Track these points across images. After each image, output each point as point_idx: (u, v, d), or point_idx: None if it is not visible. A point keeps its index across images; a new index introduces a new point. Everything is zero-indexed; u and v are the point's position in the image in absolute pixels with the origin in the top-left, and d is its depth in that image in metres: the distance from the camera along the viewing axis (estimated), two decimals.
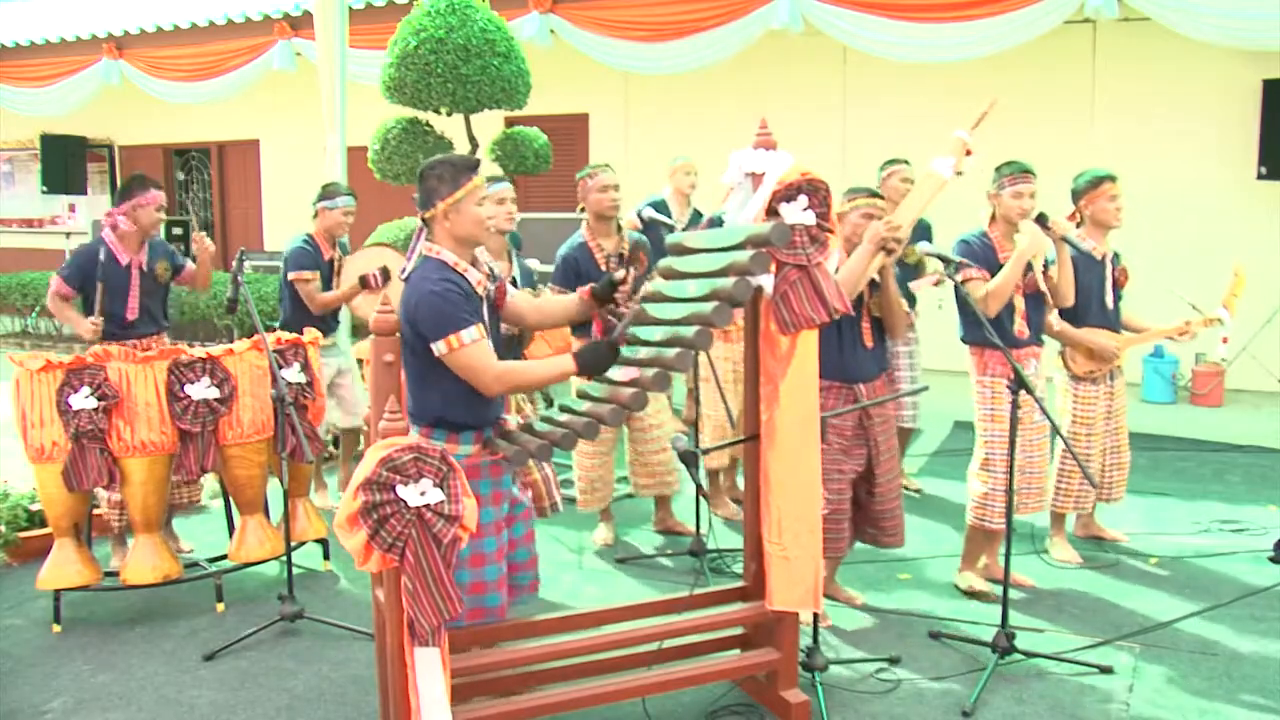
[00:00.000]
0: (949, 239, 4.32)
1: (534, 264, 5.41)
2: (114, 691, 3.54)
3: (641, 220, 5.35)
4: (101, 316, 4.56)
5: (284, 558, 4.11)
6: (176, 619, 4.14)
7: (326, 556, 4.67)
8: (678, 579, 4.42)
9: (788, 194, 2.97)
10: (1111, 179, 4.41)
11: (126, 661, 3.77)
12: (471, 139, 7.00)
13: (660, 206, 5.94)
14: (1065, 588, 4.30)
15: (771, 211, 3.00)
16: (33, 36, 11.27)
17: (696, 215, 5.97)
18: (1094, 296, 4.43)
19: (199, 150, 13.19)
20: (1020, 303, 4.15)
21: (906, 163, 5.51)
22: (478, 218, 2.94)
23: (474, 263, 3.01)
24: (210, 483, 5.12)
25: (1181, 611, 4.02)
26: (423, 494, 2.55)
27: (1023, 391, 3.52)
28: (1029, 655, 3.59)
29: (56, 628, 4.03)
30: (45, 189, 13.01)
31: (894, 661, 3.64)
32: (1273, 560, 4.51)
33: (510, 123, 8.00)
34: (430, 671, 2.64)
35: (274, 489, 4.30)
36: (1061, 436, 3.61)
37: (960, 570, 4.33)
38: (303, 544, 4.51)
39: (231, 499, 4.49)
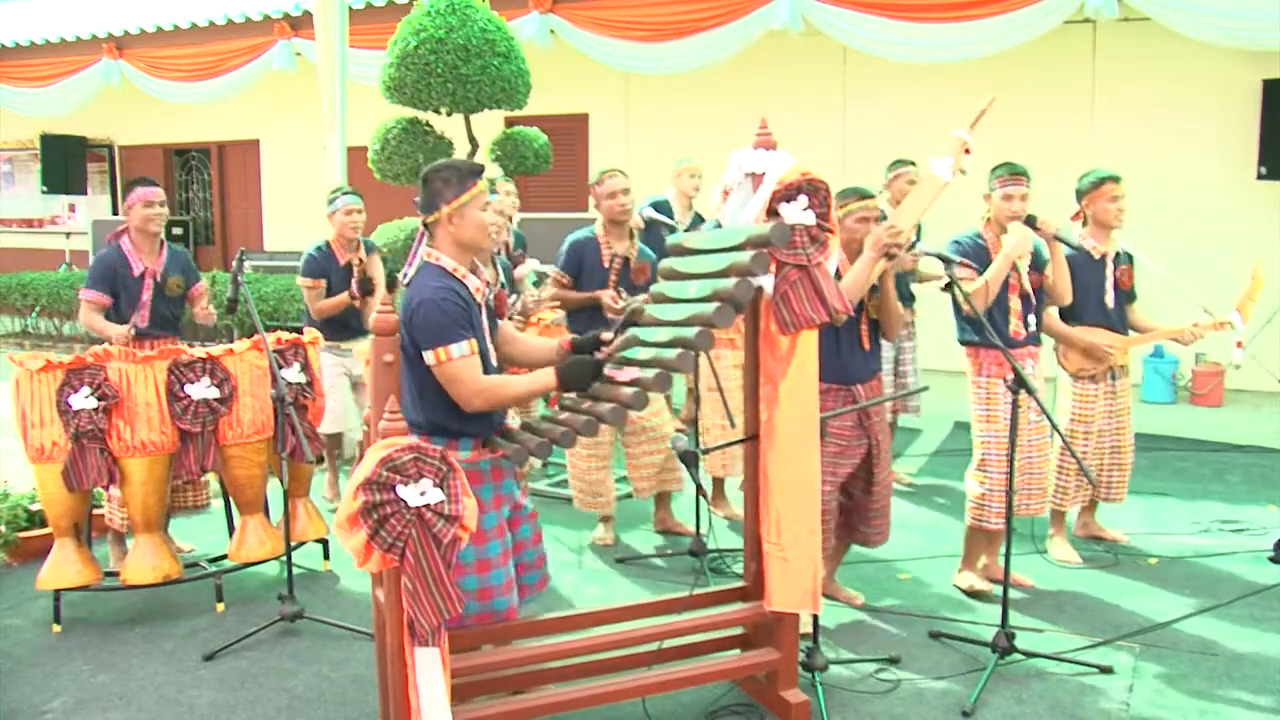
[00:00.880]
0: (944, 240, 4.33)
1: (534, 264, 5.41)
2: (114, 691, 3.54)
3: (643, 220, 5.35)
4: (132, 327, 4.50)
5: (284, 558, 4.11)
6: (176, 619, 4.14)
7: (326, 556, 4.67)
8: (678, 579, 4.42)
9: (788, 194, 2.97)
10: (1115, 179, 4.41)
11: (126, 661, 3.77)
12: (471, 139, 7.01)
13: (662, 207, 5.94)
14: (1065, 588, 4.30)
15: (771, 212, 3.00)
16: (33, 36, 11.28)
17: (698, 219, 5.97)
18: (1091, 295, 4.44)
19: (199, 150, 13.19)
20: (1016, 304, 4.16)
21: (913, 164, 5.51)
22: (481, 223, 2.94)
23: (474, 269, 3.00)
24: (210, 483, 5.11)
25: (1181, 611, 4.02)
26: (423, 494, 2.55)
27: (1021, 391, 3.52)
28: (1029, 655, 3.59)
29: (56, 628, 4.03)
30: (45, 189, 13.02)
31: (894, 661, 3.64)
32: (1273, 560, 4.51)
33: (510, 123, 8.00)
34: (430, 671, 2.64)
35: (274, 489, 4.30)
36: (1060, 434, 3.61)
37: (960, 570, 4.34)
38: (303, 544, 4.51)
39: (231, 499, 4.49)
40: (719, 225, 3.26)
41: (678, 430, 5.25)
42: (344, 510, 2.55)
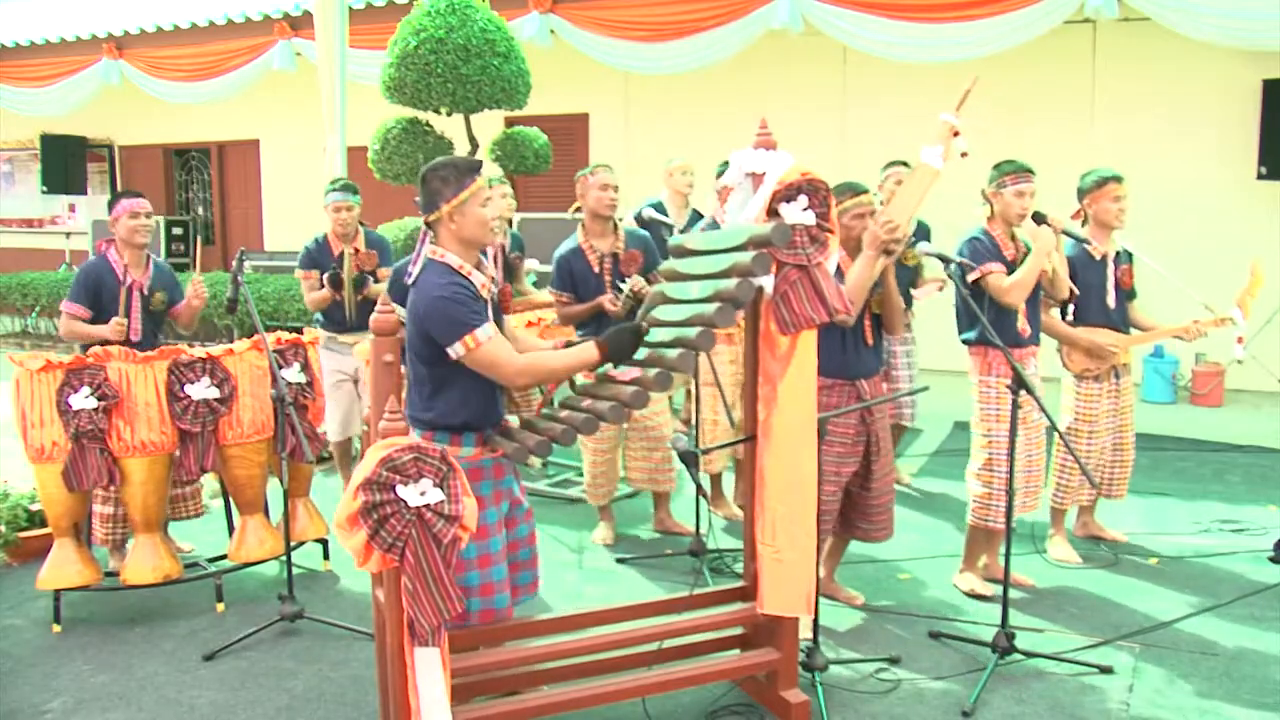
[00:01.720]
0: (942, 237, 4.33)
1: (534, 264, 5.41)
2: (114, 691, 3.54)
3: (642, 221, 5.35)
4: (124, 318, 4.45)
5: (284, 558, 4.11)
6: (176, 619, 4.14)
7: (326, 556, 4.67)
8: (678, 579, 4.42)
9: (788, 194, 2.97)
10: (1117, 179, 4.42)
11: (126, 661, 3.77)
12: (471, 139, 7.00)
13: (660, 208, 5.94)
14: (1065, 588, 4.30)
15: (772, 212, 3.00)
16: (33, 36, 11.27)
17: (696, 215, 5.97)
18: (1094, 295, 4.44)
19: (199, 150, 13.19)
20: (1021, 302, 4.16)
21: (906, 164, 5.50)
22: (482, 219, 2.94)
23: (479, 265, 3.01)
24: (210, 483, 5.11)
25: (1181, 611, 4.02)
26: (423, 494, 2.55)
27: (1022, 391, 3.52)
28: (1029, 655, 3.59)
29: (56, 628, 4.03)
30: (45, 189, 13.02)
31: (894, 661, 3.64)
32: (1273, 560, 4.51)
33: (510, 123, 8.00)
34: (430, 671, 2.64)
35: (274, 489, 4.30)
36: (1060, 434, 3.61)
37: (961, 571, 4.34)
38: (303, 544, 4.52)
39: (231, 499, 4.49)
40: (715, 225, 3.26)
41: (678, 430, 5.25)
42: (344, 510, 2.55)
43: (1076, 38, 7.97)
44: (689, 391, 5.03)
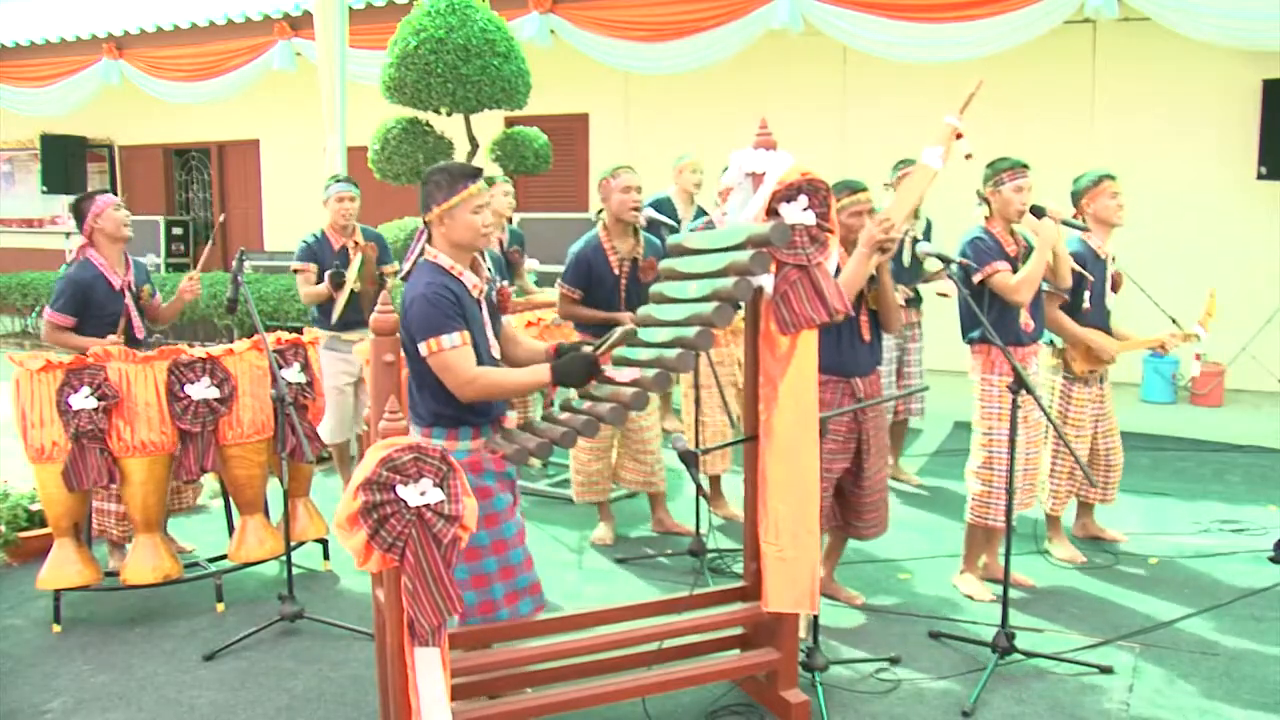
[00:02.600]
0: (943, 238, 4.33)
1: (534, 264, 5.41)
2: (114, 691, 3.54)
3: (644, 221, 5.34)
4: (120, 335, 4.40)
5: (284, 558, 4.11)
6: (176, 619, 4.14)
7: (326, 556, 4.67)
8: (678, 579, 4.42)
9: (788, 194, 2.97)
10: (1111, 177, 4.42)
11: (126, 661, 3.77)
12: (471, 139, 7.01)
13: (663, 205, 5.94)
14: (1065, 588, 4.30)
15: (771, 211, 3.00)
16: (33, 36, 11.27)
17: (700, 213, 5.97)
18: (1096, 295, 4.43)
19: (199, 150, 13.19)
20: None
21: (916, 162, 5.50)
22: (471, 224, 2.97)
23: (474, 266, 3.05)
24: (210, 483, 5.11)
25: (1181, 611, 4.02)
26: (423, 494, 2.55)
27: (1022, 390, 3.52)
28: (1029, 655, 3.59)
29: (56, 628, 4.03)
30: (45, 189, 13.02)
31: (894, 661, 3.64)
32: (1273, 560, 4.51)
33: (510, 123, 8.01)
34: (430, 671, 2.64)
35: (274, 489, 4.30)
36: (1061, 436, 3.61)
37: (961, 572, 4.33)
38: (303, 544, 4.52)
39: (231, 499, 4.49)
40: (711, 226, 3.26)
41: (678, 430, 5.24)
42: (344, 510, 2.55)
43: (1076, 38, 7.97)
44: (688, 392, 5.02)
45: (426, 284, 2.92)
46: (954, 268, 3.87)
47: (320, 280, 5.21)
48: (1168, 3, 6.51)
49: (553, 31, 8.38)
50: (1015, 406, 3.57)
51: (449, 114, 6.75)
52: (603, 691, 3.05)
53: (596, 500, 4.93)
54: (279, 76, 9.87)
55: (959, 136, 3.77)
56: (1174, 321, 4.61)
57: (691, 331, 2.79)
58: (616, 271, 4.66)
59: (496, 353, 3.09)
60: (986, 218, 4.20)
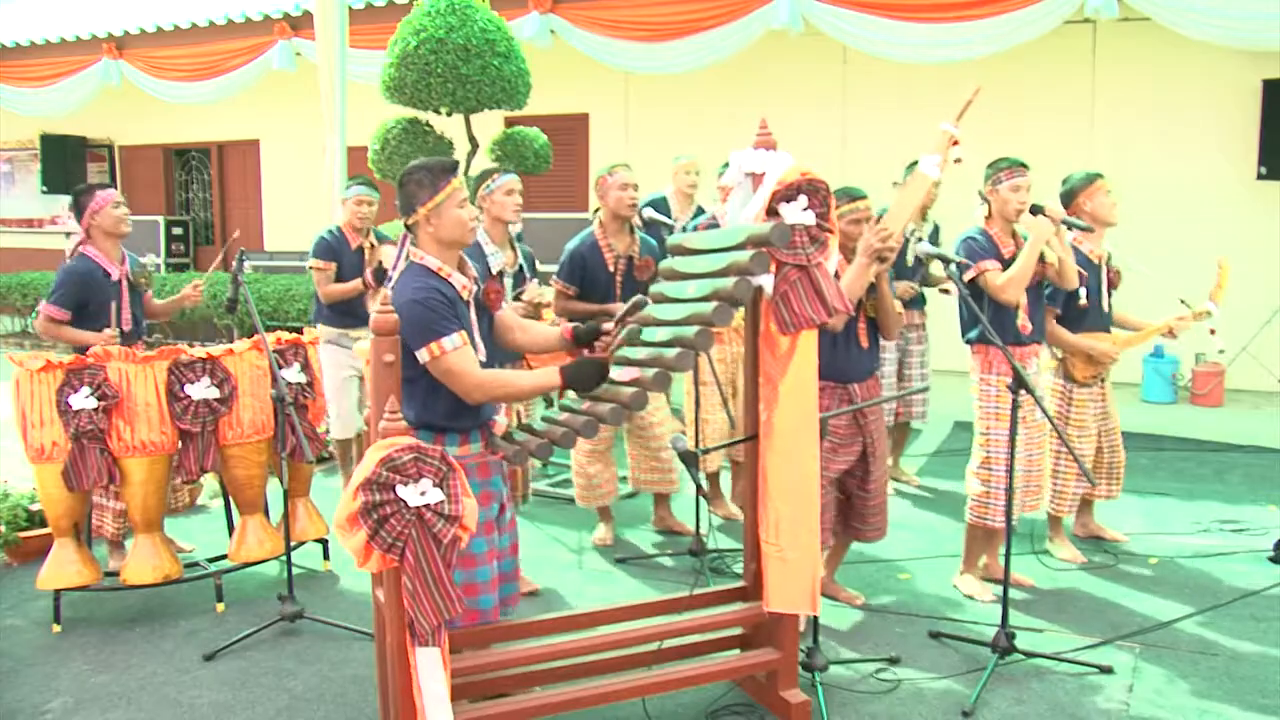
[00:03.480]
0: (948, 239, 4.33)
1: None
2: (114, 691, 3.54)
3: (642, 220, 5.35)
4: (114, 329, 4.41)
5: (284, 558, 4.11)
6: (176, 619, 4.14)
7: (326, 556, 4.67)
8: (678, 579, 4.42)
9: (788, 194, 2.97)
10: (1100, 176, 4.41)
11: (126, 661, 3.77)
12: (471, 139, 7.01)
13: (661, 205, 5.94)
14: (1065, 588, 4.30)
15: (771, 211, 3.00)
16: (33, 36, 11.27)
17: (700, 212, 5.97)
18: (1092, 299, 4.42)
19: (199, 150, 13.19)
20: (1022, 298, 4.15)
21: None
22: (459, 220, 2.93)
23: (461, 266, 3.01)
24: (210, 483, 5.12)
25: (1181, 611, 4.02)
26: (423, 494, 2.55)
27: (1023, 391, 3.52)
28: (1029, 655, 3.59)
29: (56, 628, 4.03)
30: (45, 189, 13.03)
31: (894, 661, 3.64)
32: (1273, 560, 4.51)
33: (510, 123, 8.00)
34: (431, 671, 2.64)
35: (274, 489, 4.30)
36: (1062, 436, 3.61)
37: (961, 572, 4.34)
38: (303, 544, 4.51)
39: (231, 499, 4.49)
40: (714, 222, 3.26)
41: (678, 430, 5.24)
42: (344, 510, 2.55)
43: (1076, 38, 7.97)
44: (689, 390, 5.03)
45: (415, 288, 2.85)
46: (953, 268, 3.87)
47: (341, 277, 5.20)
48: (1168, 3, 6.51)
49: (553, 31, 8.38)
50: (1015, 406, 3.56)
51: (449, 114, 6.75)
52: (603, 691, 3.04)
53: (600, 504, 4.92)
54: (279, 76, 9.87)
55: (955, 144, 3.76)
56: (1183, 302, 4.53)
57: (691, 331, 2.79)
58: (611, 269, 4.67)
59: (483, 355, 3.02)
60: (986, 217, 4.21)
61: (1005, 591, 3.57)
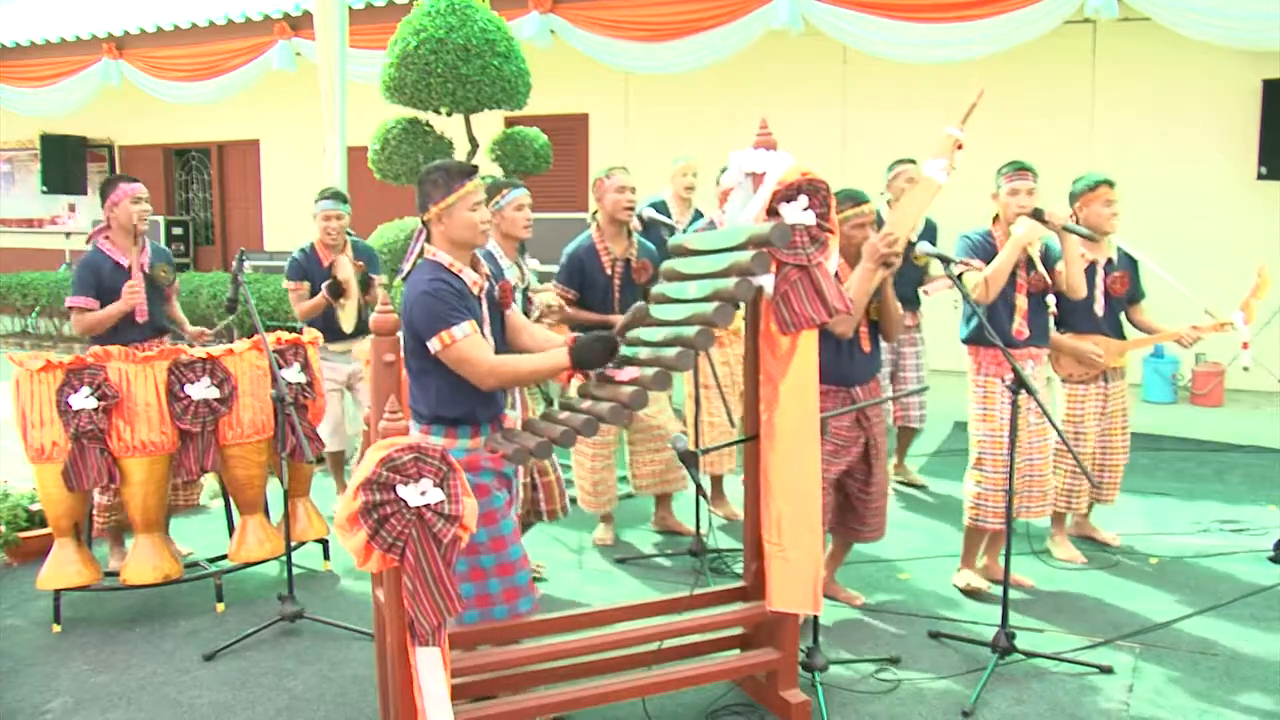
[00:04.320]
0: (946, 239, 4.33)
1: (534, 264, 5.39)
2: (114, 691, 3.54)
3: (642, 221, 5.34)
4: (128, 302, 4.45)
5: (284, 558, 4.11)
6: (176, 619, 4.14)
7: (326, 556, 4.67)
8: (678, 579, 4.42)
9: (788, 194, 2.97)
10: (1109, 184, 4.36)
11: (126, 661, 3.77)
12: (471, 139, 7.00)
13: (660, 207, 5.93)
14: (1065, 588, 4.30)
15: (772, 211, 3.00)
16: (33, 36, 11.27)
17: (698, 215, 5.97)
18: (1081, 302, 4.40)
19: (199, 150, 13.19)
20: (1022, 302, 4.15)
21: (913, 162, 5.50)
22: (470, 222, 2.98)
23: (474, 264, 3.07)
24: (210, 483, 5.11)
25: (1181, 611, 4.02)
26: (423, 494, 2.55)
27: (1022, 392, 3.52)
28: (1029, 655, 3.59)
29: (56, 628, 4.03)
30: (45, 189, 13.02)
31: (894, 661, 3.64)
32: (1273, 560, 4.51)
33: (510, 123, 7.99)
34: (432, 671, 2.64)
35: (274, 489, 4.30)
36: (1060, 435, 3.61)
37: (959, 570, 4.34)
38: (303, 544, 4.51)
39: (231, 499, 4.49)
40: (712, 225, 3.26)
41: (678, 431, 5.25)
42: (344, 510, 2.55)
43: (1076, 38, 7.97)
44: (689, 391, 5.03)
45: (428, 280, 2.93)
46: (951, 267, 3.87)
47: (313, 296, 5.19)
48: (1168, 3, 6.51)
49: (553, 31, 8.38)
50: (1015, 407, 3.56)
51: (449, 114, 6.74)
52: (603, 691, 3.04)
53: (605, 509, 4.92)
54: (279, 76, 9.87)
55: (960, 147, 3.75)
56: (1208, 313, 4.44)
57: (692, 331, 2.79)
58: (609, 272, 4.67)
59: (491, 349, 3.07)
60: (993, 219, 4.21)
61: (1005, 592, 3.57)
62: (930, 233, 5.57)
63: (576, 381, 3.19)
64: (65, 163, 12.94)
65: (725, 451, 5.05)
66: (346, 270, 5.15)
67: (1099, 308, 4.46)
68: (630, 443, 4.89)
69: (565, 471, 5.24)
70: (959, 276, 4.04)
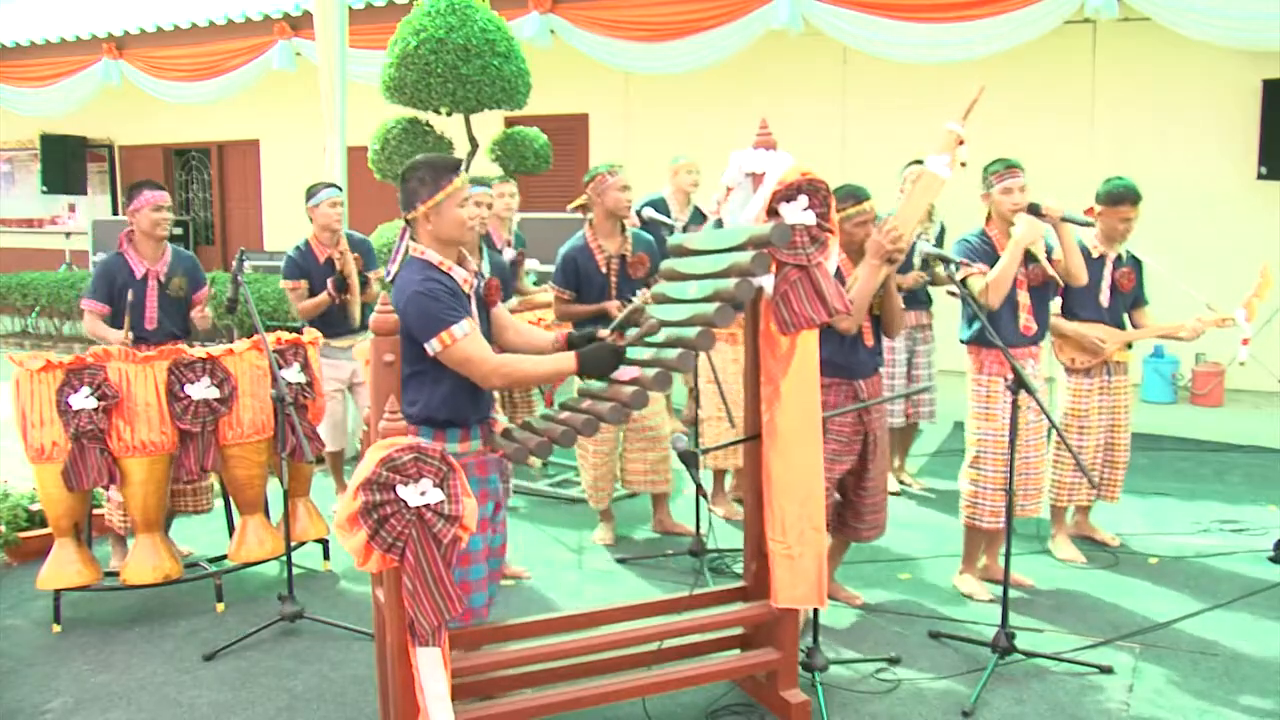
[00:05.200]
0: (951, 241, 4.33)
1: (533, 264, 5.40)
2: (114, 691, 3.54)
3: (642, 220, 5.35)
4: (130, 331, 4.45)
5: (284, 558, 4.11)
6: (176, 619, 4.14)
7: (326, 556, 4.67)
8: (678, 579, 4.42)
9: (788, 194, 2.97)
10: (1134, 202, 4.37)
11: (126, 661, 3.77)
12: (471, 139, 7.01)
13: (660, 205, 5.94)
14: (1065, 588, 4.30)
15: (772, 211, 3.00)
16: (33, 36, 11.27)
17: (698, 214, 5.97)
18: (1088, 292, 4.43)
19: (199, 150, 13.19)
20: (1025, 298, 4.15)
21: (922, 163, 5.50)
22: (459, 219, 2.94)
23: (461, 261, 3.01)
24: (213, 486, 5.10)
25: (1181, 611, 4.02)
26: (423, 494, 2.55)
27: (1021, 391, 3.52)
28: (1029, 655, 3.59)
29: (56, 628, 4.03)
30: (45, 189, 13.02)
31: (894, 661, 3.64)
32: (1273, 560, 4.51)
33: (510, 123, 8.00)
34: (432, 671, 2.64)
35: (274, 489, 4.30)
36: (1057, 430, 3.61)
37: (960, 572, 4.33)
38: (303, 544, 4.51)
39: (231, 499, 4.49)
40: (719, 224, 3.25)
41: (677, 430, 5.25)
42: (344, 510, 2.55)
43: (1076, 38, 7.96)
44: (690, 391, 5.03)
45: (420, 280, 2.86)
46: (953, 268, 3.88)
47: (312, 294, 5.17)
48: (1168, 3, 6.51)
49: (553, 31, 8.37)
50: (1015, 407, 3.56)
51: (449, 114, 6.75)
52: (603, 691, 3.04)
53: (603, 504, 4.93)
54: (279, 76, 9.87)
55: (961, 143, 3.76)
56: (1209, 307, 4.47)
57: (692, 331, 2.79)
58: (604, 270, 4.68)
59: None
60: (987, 219, 4.21)
61: (1005, 591, 3.57)
62: (942, 235, 5.57)
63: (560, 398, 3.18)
64: (65, 163, 12.94)
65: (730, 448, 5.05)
66: (351, 263, 5.15)
67: (1104, 298, 4.47)
68: (624, 440, 4.89)
69: (566, 471, 5.26)
70: (963, 281, 4.04)
